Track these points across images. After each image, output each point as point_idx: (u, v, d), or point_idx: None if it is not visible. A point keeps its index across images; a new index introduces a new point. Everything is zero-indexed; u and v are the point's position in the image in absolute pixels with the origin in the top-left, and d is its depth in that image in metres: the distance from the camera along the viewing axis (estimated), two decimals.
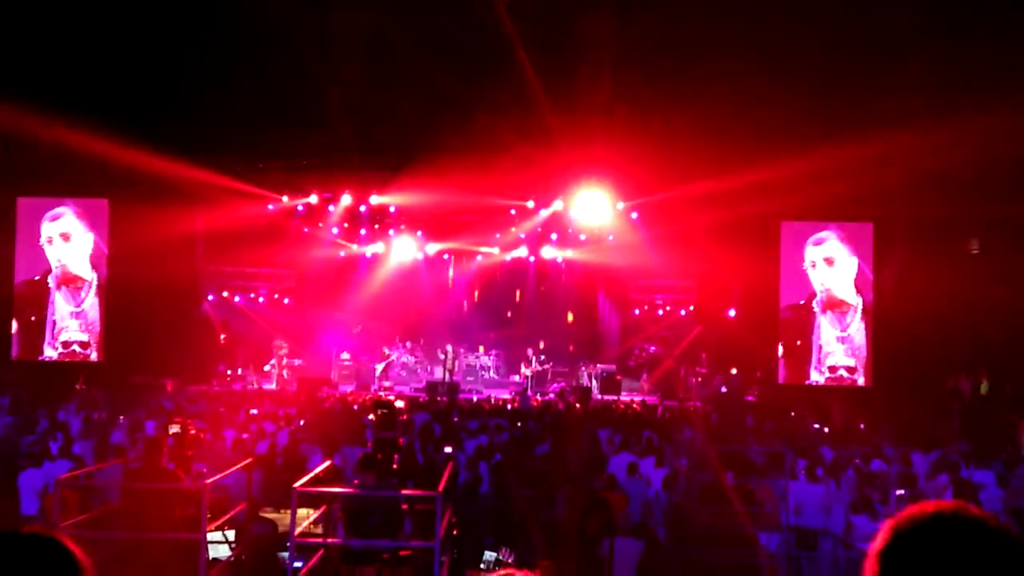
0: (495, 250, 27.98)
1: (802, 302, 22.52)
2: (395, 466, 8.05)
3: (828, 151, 18.30)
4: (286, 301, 28.13)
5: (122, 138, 18.62)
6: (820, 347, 22.38)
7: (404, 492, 8.10)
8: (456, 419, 16.50)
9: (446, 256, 28.68)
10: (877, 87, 18.43)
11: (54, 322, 22.10)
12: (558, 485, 10.95)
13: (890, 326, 21.48)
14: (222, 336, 26.66)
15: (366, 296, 27.82)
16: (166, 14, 17.91)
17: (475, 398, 22.99)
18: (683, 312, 28.09)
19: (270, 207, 25.15)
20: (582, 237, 26.54)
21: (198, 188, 21.44)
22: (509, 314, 28.56)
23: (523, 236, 27.30)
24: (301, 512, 8.20)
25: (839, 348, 22.30)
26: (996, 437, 15.95)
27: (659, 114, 18.88)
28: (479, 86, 19.13)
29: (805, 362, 22.44)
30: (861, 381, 22.15)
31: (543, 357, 26.70)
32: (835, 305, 22.38)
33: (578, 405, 21.22)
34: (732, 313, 25.08)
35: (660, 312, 28.60)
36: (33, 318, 22.08)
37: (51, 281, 22.10)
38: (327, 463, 9.57)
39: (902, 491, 10.69)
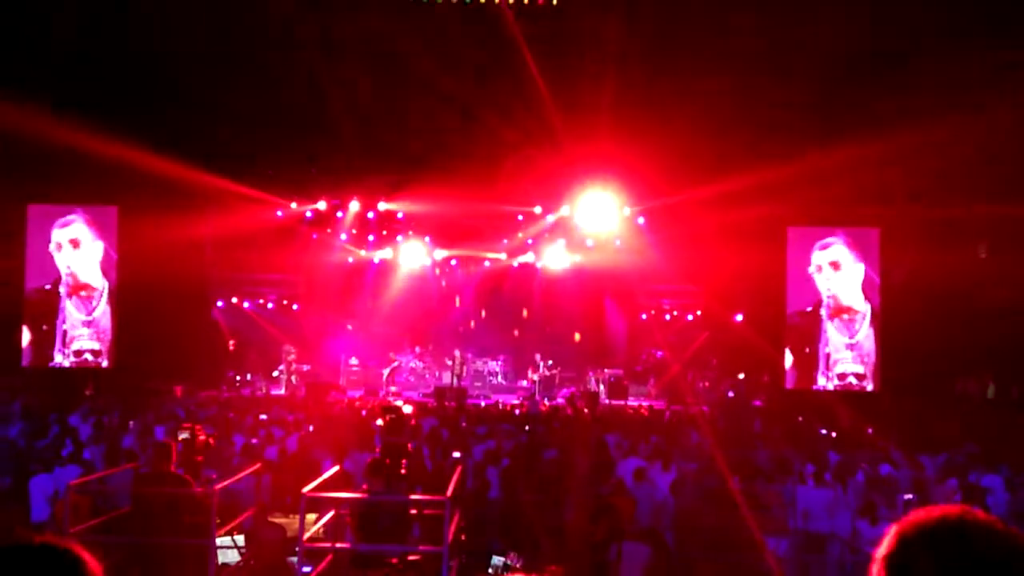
0: (503, 255, 27.99)
1: (809, 309, 22.49)
2: (403, 471, 8.06)
3: (835, 155, 18.31)
4: (295, 307, 28.15)
5: (131, 145, 18.68)
6: (828, 354, 22.34)
7: (412, 497, 8.11)
8: (464, 424, 16.51)
9: (454, 262, 28.69)
10: (883, 89, 18.41)
11: (65, 331, 22.17)
12: (566, 490, 10.96)
13: (897, 330, 21.44)
14: (231, 342, 26.71)
15: (374, 302, 27.87)
16: (175, 20, 17.99)
17: (483, 403, 22.99)
18: (690, 317, 28.06)
19: (279, 213, 25.21)
20: (589, 242, 26.51)
21: (207, 194, 21.51)
22: (517, 319, 28.55)
23: (530, 241, 27.31)
24: (310, 517, 8.24)
25: (848, 355, 22.26)
26: (1004, 440, 15.90)
27: (665, 119, 18.89)
28: (486, 91, 19.17)
29: (813, 368, 22.41)
30: (870, 388, 22.11)
31: (551, 362, 26.67)
32: (842, 311, 22.34)
33: (586, 410, 21.21)
34: (739, 318, 25.05)
35: (667, 317, 28.58)
36: (44, 327, 22.15)
37: (62, 289, 22.18)
38: (336, 468, 9.59)
39: (910, 496, 10.68)
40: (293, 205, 25.29)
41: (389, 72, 19.79)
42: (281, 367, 25.83)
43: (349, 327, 28.00)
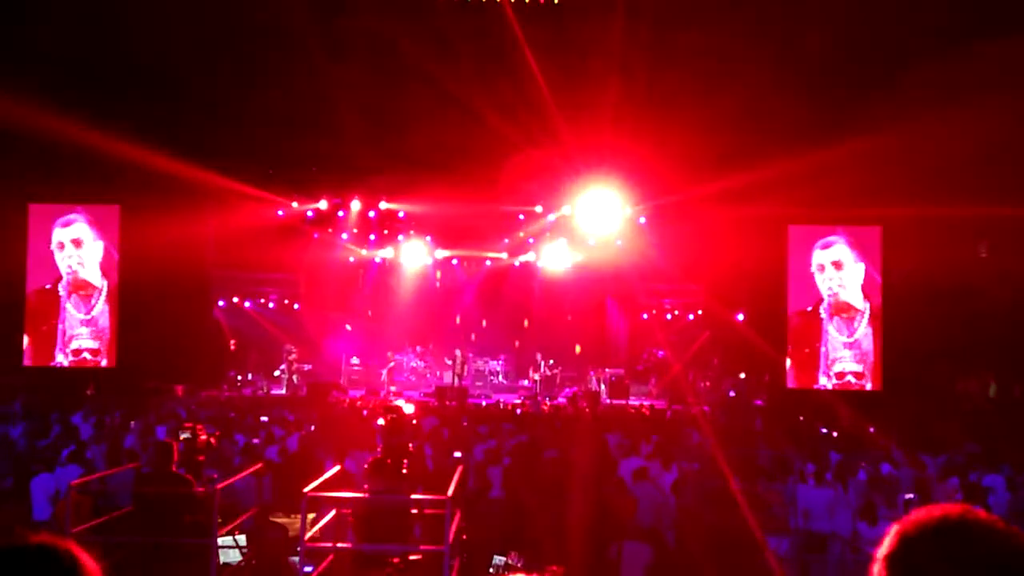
0: (504, 255, 28.00)
1: (809, 308, 22.48)
2: (405, 471, 8.07)
3: (836, 153, 18.31)
4: (296, 306, 28.16)
5: (133, 144, 18.70)
6: (827, 353, 22.34)
7: (414, 497, 8.12)
8: (465, 424, 16.52)
9: (455, 261, 28.70)
10: (884, 88, 18.41)
11: (64, 330, 22.18)
12: (567, 489, 10.96)
13: (899, 329, 21.44)
14: (232, 342, 26.71)
15: (375, 301, 27.88)
16: (177, 20, 18.00)
17: (484, 403, 23.00)
18: (691, 316, 28.07)
19: (280, 212, 25.23)
20: (590, 242, 26.51)
21: (208, 193, 21.52)
22: (518, 319, 28.55)
23: (531, 241, 27.32)
24: (311, 517, 8.24)
25: (847, 354, 22.26)
26: (1005, 440, 15.90)
27: (667, 118, 18.90)
28: (488, 91, 19.17)
29: (814, 367, 22.41)
30: (869, 386, 22.10)
31: (552, 362, 26.68)
32: (842, 310, 22.34)
33: (587, 409, 21.22)
34: (741, 317, 25.05)
35: (668, 316, 28.58)
36: (45, 327, 22.16)
37: (62, 289, 22.18)
38: (337, 468, 9.60)
39: (911, 495, 10.68)
40: (294, 204, 25.30)
41: (391, 71, 19.80)
42: (282, 367, 25.83)
43: (348, 327, 28.01)
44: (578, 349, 27.75)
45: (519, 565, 8.57)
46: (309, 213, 25.73)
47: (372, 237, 27.43)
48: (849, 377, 22.19)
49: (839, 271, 22.39)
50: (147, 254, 20.58)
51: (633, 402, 23.82)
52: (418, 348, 27.90)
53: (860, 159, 18.79)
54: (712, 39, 18.21)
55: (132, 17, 18.15)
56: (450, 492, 7.68)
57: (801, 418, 19.41)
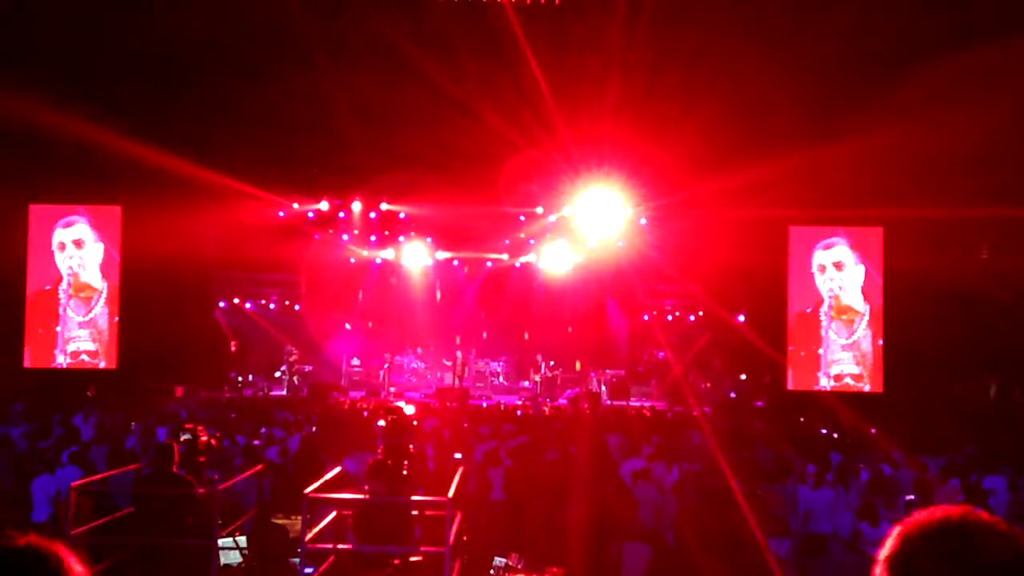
0: (504, 256, 28.00)
1: (809, 310, 22.47)
2: (405, 472, 8.08)
3: (837, 154, 18.30)
4: (296, 307, 28.16)
5: (135, 145, 18.71)
6: (826, 355, 22.33)
7: (414, 498, 8.12)
8: (466, 425, 16.52)
9: (455, 262, 28.70)
10: (885, 89, 18.40)
11: (62, 332, 22.16)
12: (568, 491, 10.96)
13: (899, 330, 21.43)
14: (233, 343, 26.71)
15: (376, 302, 27.88)
16: (180, 20, 18.01)
17: (485, 404, 22.99)
18: (692, 318, 28.06)
19: (281, 213, 25.24)
20: (591, 243, 26.50)
21: (209, 194, 21.49)
22: (518, 320, 28.54)
23: (532, 242, 27.31)
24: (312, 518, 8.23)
25: (845, 356, 22.24)
26: (1006, 442, 15.90)
27: (667, 118, 18.90)
28: (488, 91, 19.16)
29: (813, 369, 22.40)
30: (867, 388, 22.09)
31: (552, 363, 26.67)
32: (842, 312, 22.33)
33: (588, 410, 21.21)
34: (741, 318, 25.05)
35: (669, 317, 28.57)
36: (40, 330, 22.13)
37: (61, 292, 22.16)
38: (337, 469, 9.60)
39: (912, 497, 10.68)
40: (295, 205, 25.31)
41: (391, 72, 19.79)
42: (283, 368, 25.85)
43: (347, 327, 28.01)
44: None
45: (520, 566, 8.58)
46: (310, 214, 25.74)
47: (373, 238, 27.44)
48: (847, 379, 22.17)
49: (840, 272, 22.37)
50: (148, 255, 20.56)
51: (634, 403, 23.81)
52: (418, 349, 27.91)
53: (861, 160, 18.79)
54: (712, 39, 18.20)
55: (133, 17, 18.16)
56: (450, 493, 7.69)
57: (802, 419, 19.41)
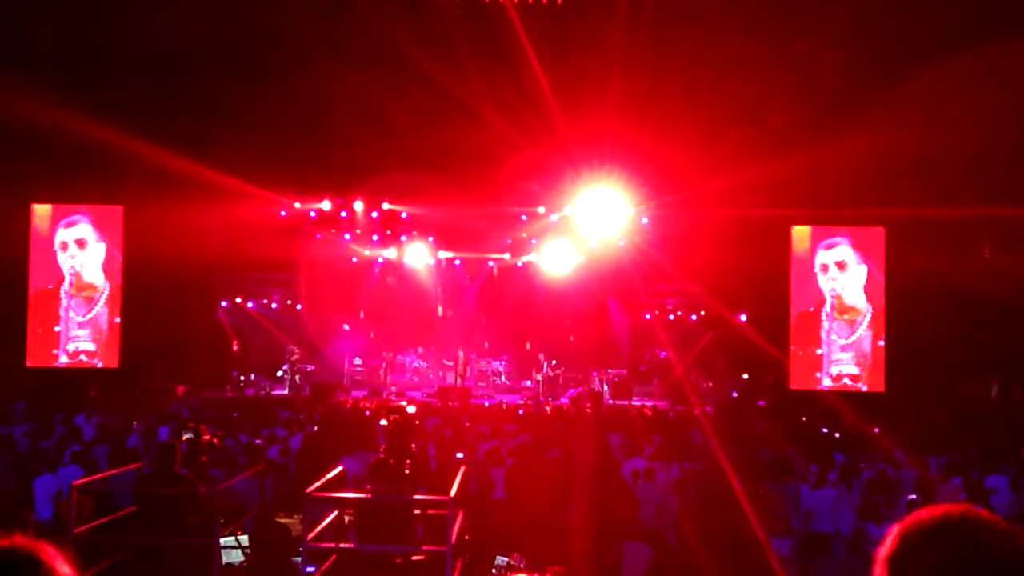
0: (506, 255, 27.99)
1: (811, 309, 22.45)
2: (407, 471, 8.07)
3: (839, 154, 18.29)
4: (298, 307, 28.16)
5: (137, 145, 18.72)
6: (826, 355, 22.31)
7: (416, 497, 8.12)
8: (468, 424, 16.52)
9: (457, 262, 28.70)
10: (888, 89, 18.40)
11: (63, 332, 22.17)
12: (570, 490, 10.96)
13: (902, 330, 21.42)
14: (235, 343, 26.73)
15: (378, 302, 27.88)
16: (182, 20, 18.02)
17: (487, 403, 22.98)
18: (694, 317, 28.03)
19: (283, 213, 25.24)
20: (593, 242, 26.48)
21: (211, 194, 21.49)
22: (520, 319, 28.53)
23: (534, 241, 27.31)
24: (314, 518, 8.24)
25: (844, 356, 22.22)
26: (1008, 441, 15.89)
27: (669, 118, 18.90)
28: (490, 91, 19.18)
29: (816, 368, 22.39)
30: (865, 388, 22.07)
31: (554, 362, 26.66)
32: (844, 311, 22.31)
33: (589, 409, 21.20)
34: (743, 318, 25.03)
35: (671, 317, 28.54)
36: (39, 329, 22.14)
37: (63, 292, 22.17)
38: (339, 468, 9.61)
39: (913, 496, 10.67)
40: (297, 205, 25.32)
41: (394, 72, 19.80)
42: (285, 367, 25.86)
43: (345, 327, 28.01)
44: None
45: (521, 565, 8.58)
46: (312, 213, 25.74)
47: (375, 238, 27.44)
48: (845, 379, 22.16)
49: (842, 272, 22.35)
50: (151, 254, 20.58)
51: (636, 403, 23.79)
52: (420, 349, 27.91)
53: (863, 159, 18.78)
54: (714, 39, 18.21)
55: (135, 17, 18.19)
56: (452, 493, 7.69)
57: (804, 419, 19.40)
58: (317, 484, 7.97)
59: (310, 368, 26.08)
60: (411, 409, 11.78)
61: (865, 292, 22.29)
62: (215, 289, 26.21)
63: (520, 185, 22.99)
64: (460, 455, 12.42)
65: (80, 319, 22.19)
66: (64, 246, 22.21)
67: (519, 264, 28.20)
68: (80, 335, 22.21)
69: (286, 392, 24.96)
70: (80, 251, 22.25)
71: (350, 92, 19.87)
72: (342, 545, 7.91)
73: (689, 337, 26.88)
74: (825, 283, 22.42)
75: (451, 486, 8.00)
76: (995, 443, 15.11)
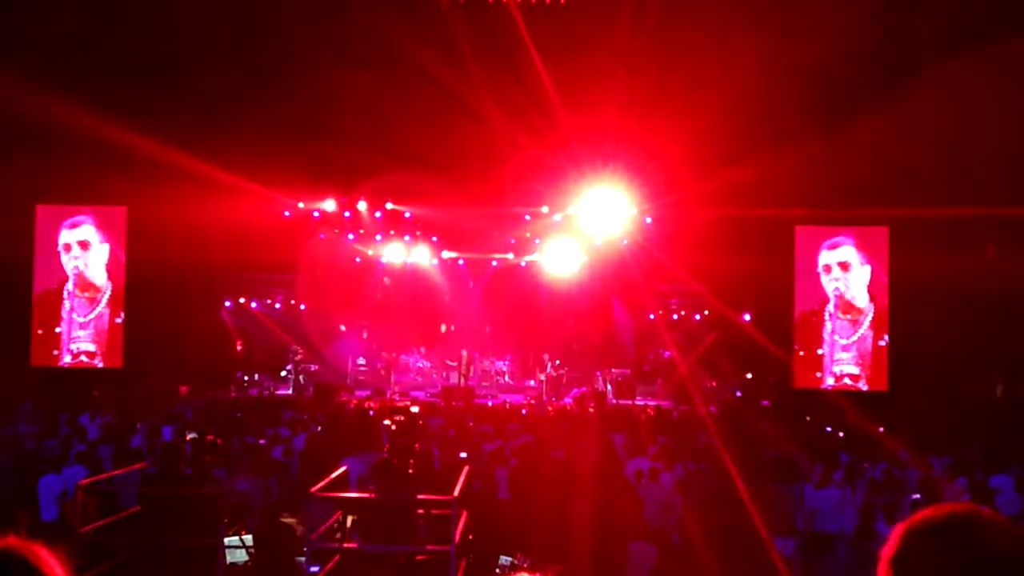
0: (509, 255, 27.99)
1: (815, 309, 22.43)
2: (411, 471, 8.08)
3: (843, 154, 18.28)
4: (302, 307, 28.17)
5: (140, 145, 18.74)
6: (828, 354, 22.29)
7: (420, 497, 8.13)
8: (471, 424, 16.53)
9: (461, 262, 28.70)
10: (891, 89, 18.38)
11: (64, 332, 22.20)
12: (573, 490, 10.96)
13: (906, 329, 21.39)
14: (238, 343, 26.75)
15: (381, 302, 27.89)
16: (185, 20, 18.04)
17: (490, 403, 22.99)
18: (698, 317, 28.01)
19: (286, 213, 25.25)
20: (596, 241, 26.47)
21: (214, 194, 21.50)
22: (524, 319, 28.53)
23: (537, 241, 27.30)
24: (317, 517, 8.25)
25: (845, 356, 22.20)
26: (1013, 441, 15.87)
27: (673, 117, 18.87)
28: (493, 91, 19.18)
29: (818, 368, 22.37)
30: (865, 388, 22.05)
31: (558, 362, 26.66)
32: (847, 311, 22.29)
33: (592, 408, 21.19)
34: (747, 318, 25.01)
35: (675, 317, 28.53)
36: (40, 331, 22.16)
37: (65, 292, 22.19)
38: (343, 468, 9.62)
39: (918, 495, 10.66)
40: (300, 204, 25.33)
41: (396, 72, 19.81)
42: (288, 367, 25.87)
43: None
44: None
45: (525, 565, 8.58)
46: (315, 214, 25.76)
47: (378, 238, 27.46)
48: (846, 379, 22.14)
49: (846, 272, 22.33)
50: (153, 255, 20.60)
51: (639, 402, 23.79)
52: (423, 349, 27.92)
53: (867, 159, 18.76)
54: (718, 38, 18.19)
55: (139, 17, 18.20)
56: (456, 492, 7.70)
57: (808, 419, 19.38)
58: (321, 484, 7.98)
59: (314, 368, 26.10)
60: (415, 409, 11.75)
61: (868, 292, 22.27)
62: (219, 289, 26.23)
63: (523, 185, 22.98)
64: (464, 455, 12.43)
65: (82, 320, 22.22)
66: (67, 247, 22.24)
67: (522, 264, 28.20)
68: (81, 335, 22.24)
69: (290, 392, 24.97)
70: (83, 252, 22.28)
71: (354, 92, 19.87)
72: (346, 545, 7.92)
73: (693, 337, 26.85)
74: (828, 283, 22.40)
75: (455, 486, 8.00)
76: (999, 443, 15.08)
